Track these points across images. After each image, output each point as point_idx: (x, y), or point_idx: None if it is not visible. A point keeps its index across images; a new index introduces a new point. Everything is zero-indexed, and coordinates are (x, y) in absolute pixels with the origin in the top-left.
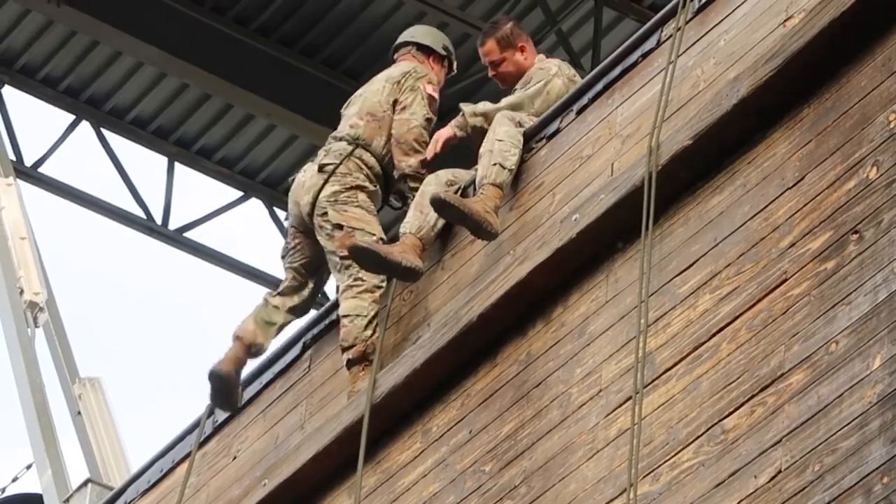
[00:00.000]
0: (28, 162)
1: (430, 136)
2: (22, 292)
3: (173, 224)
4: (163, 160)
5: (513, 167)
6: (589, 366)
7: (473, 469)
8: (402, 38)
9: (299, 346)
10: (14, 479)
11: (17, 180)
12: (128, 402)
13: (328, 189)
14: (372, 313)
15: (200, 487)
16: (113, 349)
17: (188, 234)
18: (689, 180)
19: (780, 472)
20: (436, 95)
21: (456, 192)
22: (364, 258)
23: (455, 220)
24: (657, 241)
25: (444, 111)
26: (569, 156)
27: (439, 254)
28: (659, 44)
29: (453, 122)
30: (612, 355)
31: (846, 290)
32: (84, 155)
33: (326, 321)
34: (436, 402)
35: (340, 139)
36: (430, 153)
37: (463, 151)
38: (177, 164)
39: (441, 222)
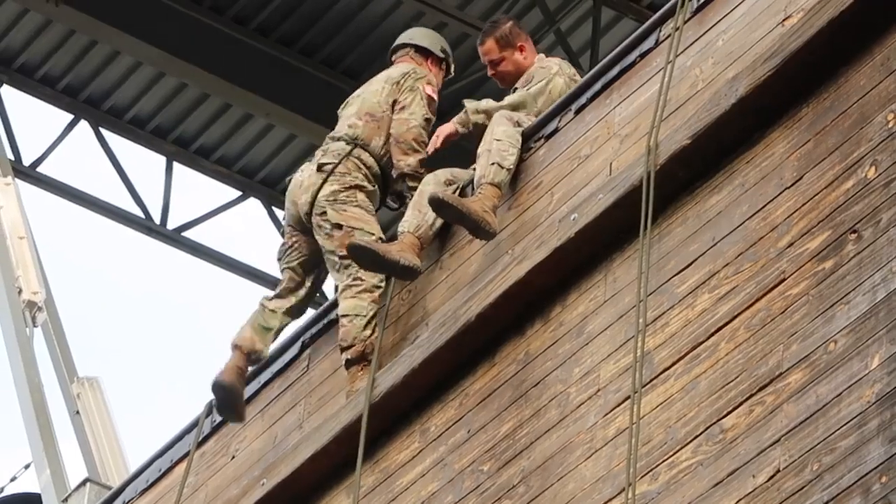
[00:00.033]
0: (26, 161)
1: (430, 137)
2: (20, 292)
3: (172, 223)
4: (161, 159)
5: (511, 166)
6: (587, 365)
7: (472, 469)
8: (400, 40)
9: (298, 345)
10: (13, 479)
11: (16, 180)
12: (126, 401)
13: (327, 188)
14: (371, 313)
15: (199, 487)
16: (111, 348)
17: (186, 234)
18: (688, 180)
19: (778, 471)
20: (435, 96)
21: (454, 192)
22: (362, 257)
23: (453, 219)
24: (655, 240)
25: (443, 111)
26: (567, 155)
27: (438, 253)
28: (657, 43)
29: (455, 119)
30: (611, 355)
31: (845, 290)
32: (82, 154)
33: (325, 321)
34: (434, 402)
35: (338, 139)
36: (431, 148)
37: (462, 151)
38: (175, 164)
39: (439, 221)
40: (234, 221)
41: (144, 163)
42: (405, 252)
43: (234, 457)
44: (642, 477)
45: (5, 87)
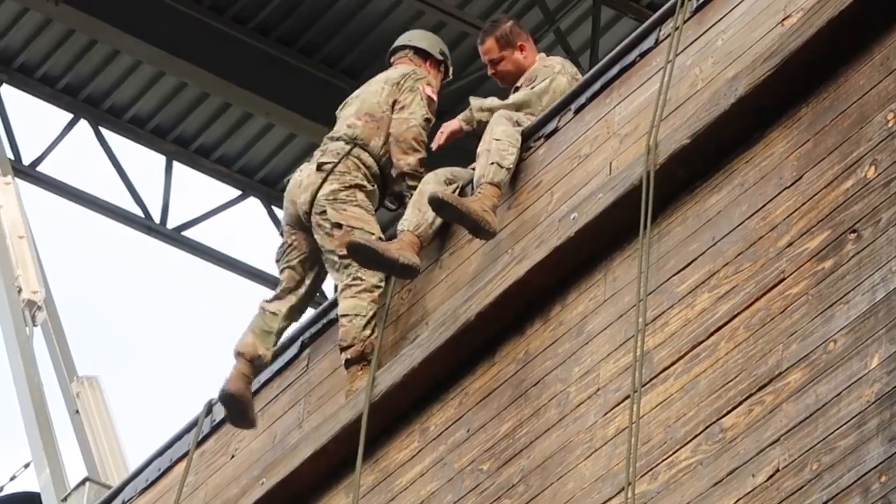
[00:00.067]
0: (26, 160)
1: (430, 138)
2: (20, 291)
3: (171, 223)
4: (161, 159)
5: (510, 166)
6: (587, 365)
7: (471, 468)
8: (399, 42)
9: (297, 345)
10: (12, 478)
11: (16, 179)
12: (126, 400)
13: (327, 187)
14: (371, 313)
15: (198, 486)
16: (111, 348)
17: (186, 233)
18: (687, 179)
19: (777, 470)
20: (434, 97)
21: (454, 191)
22: (361, 255)
23: (453, 219)
24: (655, 240)
25: (443, 111)
26: (567, 155)
27: (437, 253)
28: (657, 43)
29: (461, 116)
30: (611, 354)
31: (844, 290)
32: (82, 153)
33: (324, 320)
34: (434, 401)
35: (337, 139)
36: (435, 144)
37: (462, 150)
38: (175, 163)
39: (439, 220)
40: (233, 221)
41: (144, 162)
42: (404, 250)
43: (233, 456)
44: (642, 476)
45: (5, 86)
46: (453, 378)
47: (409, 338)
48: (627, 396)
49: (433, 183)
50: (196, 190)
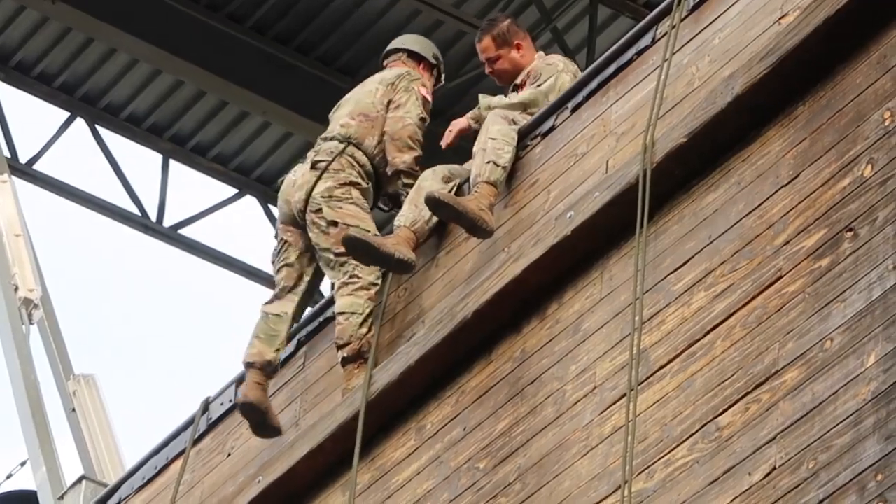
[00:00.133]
0: (23, 159)
1: (425, 138)
2: (16, 289)
3: (168, 221)
4: (157, 157)
5: (506, 164)
6: (583, 363)
7: (468, 466)
8: (392, 45)
9: (294, 343)
10: (8, 476)
11: (12, 177)
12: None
13: (322, 185)
14: (367, 311)
15: (195, 484)
16: (107, 346)
17: (183, 231)
18: (684, 178)
19: (774, 469)
20: (429, 98)
21: (452, 189)
22: (357, 249)
23: (450, 218)
24: (652, 238)
25: (440, 110)
26: (564, 153)
27: (434, 251)
28: (654, 41)
29: (469, 114)
30: (607, 352)
31: (841, 288)
32: (79, 152)
33: (321, 318)
34: (430, 399)
35: (331, 139)
36: (444, 142)
37: (461, 149)
38: (171, 161)
39: (436, 217)
40: (230, 219)
41: (141, 160)
42: (400, 246)
43: (230, 454)
44: (638, 475)
45: (1, 84)
46: (450, 376)
47: (406, 336)
48: (624, 395)
49: (431, 180)
50: (192, 188)
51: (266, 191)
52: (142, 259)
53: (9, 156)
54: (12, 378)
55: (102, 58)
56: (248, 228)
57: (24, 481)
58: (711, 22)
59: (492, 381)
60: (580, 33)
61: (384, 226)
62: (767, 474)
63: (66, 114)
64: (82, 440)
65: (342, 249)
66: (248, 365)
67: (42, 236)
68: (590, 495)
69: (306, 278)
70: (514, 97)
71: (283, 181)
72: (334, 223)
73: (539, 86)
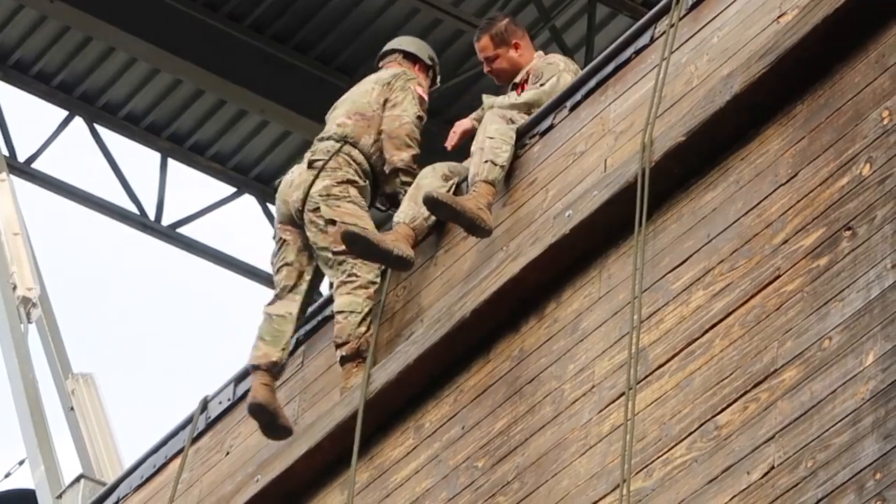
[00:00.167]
0: (21, 157)
1: (422, 136)
2: (15, 288)
3: (166, 220)
4: (156, 156)
5: (504, 163)
6: (582, 362)
7: (466, 465)
8: (388, 47)
9: (292, 342)
10: (7, 475)
11: (11, 176)
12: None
13: (319, 184)
14: (366, 309)
15: (193, 483)
16: (106, 345)
17: (181, 230)
18: (682, 176)
19: (772, 468)
20: (425, 97)
21: (451, 187)
22: (356, 244)
23: (448, 218)
24: (650, 237)
25: (439, 109)
26: (562, 152)
27: (432, 250)
28: (652, 40)
29: (472, 115)
30: (605, 351)
31: (839, 287)
32: (77, 151)
33: (319, 317)
34: (429, 398)
35: (327, 138)
36: (449, 143)
37: (460, 148)
38: (170, 160)
39: None
40: (228, 218)
41: (139, 159)
42: (399, 242)
43: (228, 453)
44: (637, 473)
45: (0, 83)
46: (448, 375)
47: (404, 335)
48: (622, 393)
49: (431, 177)
50: (191, 187)
51: (264, 189)
52: (140, 258)
53: (7, 154)
54: (11, 377)
55: (101, 56)
56: (246, 227)
57: (22, 480)
58: (710, 21)
59: (490, 380)
60: (578, 32)
61: (383, 225)
62: (766, 473)
63: (65, 112)
64: (81, 439)
65: (340, 248)
66: (254, 367)
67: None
68: (588, 494)
69: (307, 277)
70: (519, 97)
71: (280, 183)
72: (332, 222)
73: (542, 85)
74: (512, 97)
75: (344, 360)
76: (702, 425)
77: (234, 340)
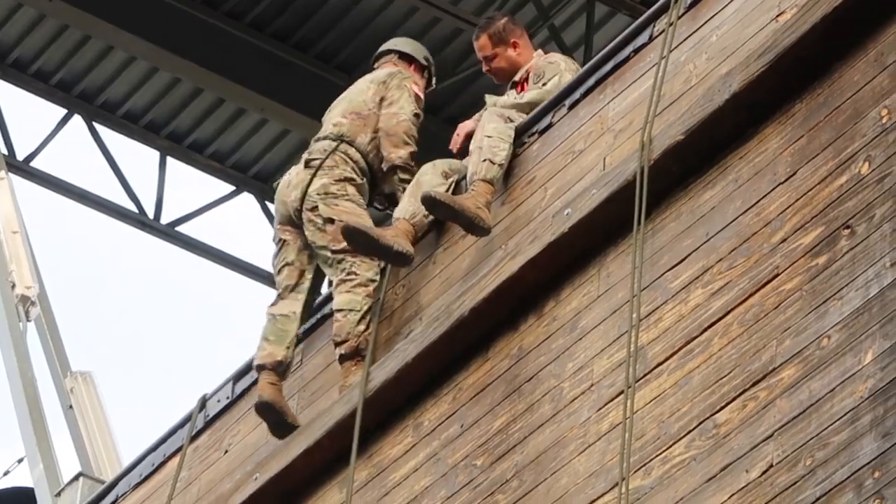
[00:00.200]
0: (20, 156)
1: (420, 134)
2: (14, 286)
3: (165, 218)
4: (155, 154)
5: (502, 162)
6: (581, 360)
7: (465, 463)
8: (384, 47)
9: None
10: (6, 473)
11: (9, 174)
12: (119, 395)
13: (317, 182)
14: (365, 308)
15: (192, 481)
16: (105, 343)
17: (180, 228)
18: (681, 175)
19: (771, 466)
20: (421, 96)
21: (451, 185)
22: (356, 240)
23: (447, 217)
24: (649, 235)
25: (437, 107)
26: (561, 150)
27: (431, 248)
28: (651, 39)
29: (476, 116)
30: (604, 350)
31: (838, 286)
32: (76, 149)
33: (318, 315)
34: (427, 397)
35: (324, 138)
36: (453, 145)
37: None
38: (169, 159)
39: None
40: (227, 216)
41: (138, 157)
42: (399, 238)
43: (227, 451)
44: (635, 472)
45: None
46: (447, 373)
47: (403, 333)
48: (621, 392)
49: (430, 174)
50: (190, 185)
51: (263, 188)
52: (139, 256)
53: (6, 153)
54: (9, 375)
55: (99, 55)
56: (245, 225)
57: (21, 478)
58: (709, 19)
59: (489, 378)
60: (577, 31)
61: (381, 224)
62: (764, 471)
63: (64, 111)
64: (79, 437)
65: (339, 246)
66: (260, 367)
67: (39, 233)
68: (587, 492)
69: (308, 276)
70: (522, 97)
71: (278, 184)
72: (331, 220)
73: (544, 84)
74: (514, 97)
75: (343, 358)
76: (700, 424)
77: (232, 338)
